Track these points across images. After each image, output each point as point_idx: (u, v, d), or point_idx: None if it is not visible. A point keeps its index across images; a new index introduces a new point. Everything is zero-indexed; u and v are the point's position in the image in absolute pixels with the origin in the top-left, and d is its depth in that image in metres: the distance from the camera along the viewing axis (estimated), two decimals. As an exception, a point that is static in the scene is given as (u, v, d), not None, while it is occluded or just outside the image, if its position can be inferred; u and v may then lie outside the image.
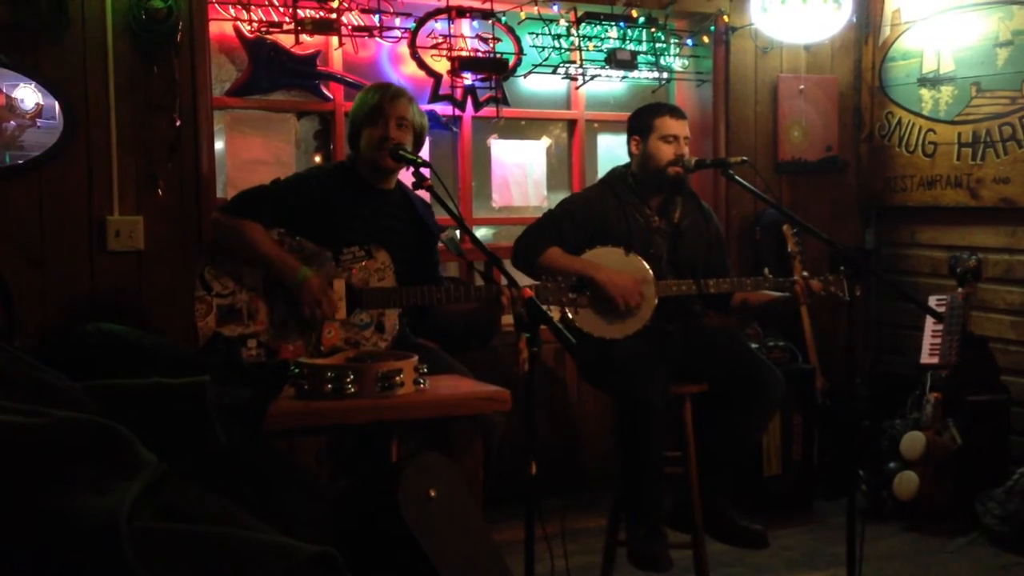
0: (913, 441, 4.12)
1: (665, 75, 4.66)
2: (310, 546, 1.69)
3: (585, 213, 3.51)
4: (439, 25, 4.22)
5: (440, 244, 3.42)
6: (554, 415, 4.46)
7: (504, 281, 2.88)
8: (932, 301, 4.36)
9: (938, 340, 4.29)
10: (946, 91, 4.65)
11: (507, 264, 2.82)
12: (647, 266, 3.41)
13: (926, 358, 4.30)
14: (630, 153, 3.60)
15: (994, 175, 4.45)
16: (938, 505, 4.08)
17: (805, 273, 3.50)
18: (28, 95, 3.55)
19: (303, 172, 3.37)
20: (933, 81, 4.70)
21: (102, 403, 1.92)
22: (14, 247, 3.53)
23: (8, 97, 3.53)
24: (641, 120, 3.58)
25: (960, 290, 4.31)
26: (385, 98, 3.24)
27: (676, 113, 3.58)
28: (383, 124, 3.21)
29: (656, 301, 3.39)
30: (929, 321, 4.33)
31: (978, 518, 3.95)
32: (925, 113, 4.74)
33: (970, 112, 4.54)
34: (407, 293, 3.12)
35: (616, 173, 3.64)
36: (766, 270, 3.53)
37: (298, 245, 3.13)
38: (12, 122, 3.54)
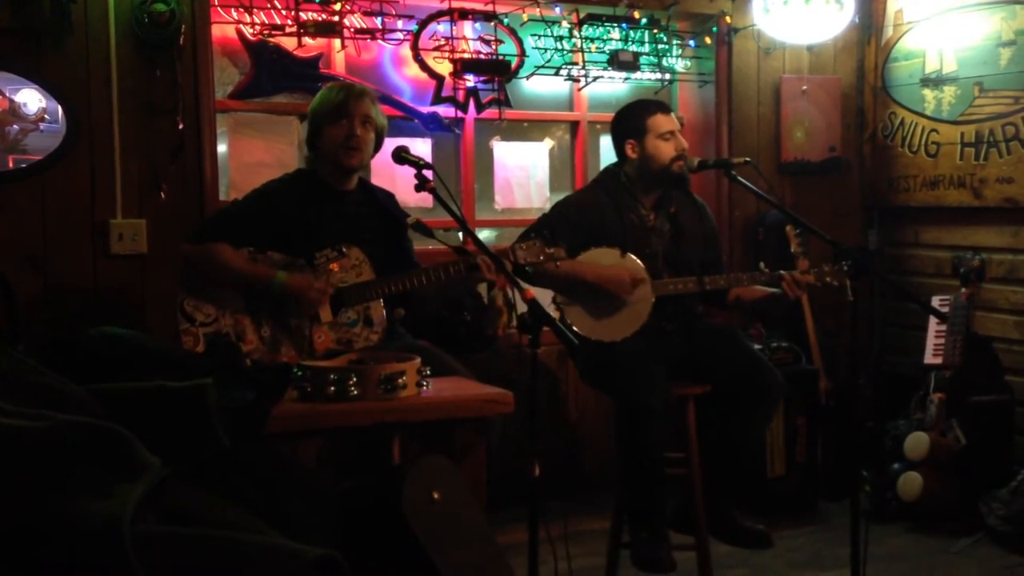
0: (917, 442, 4.11)
1: (667, 76, 4.66)
2: (313, 548, 1.69)
3: (580, 215, 3.50)
4: (441, 27, 4.22)
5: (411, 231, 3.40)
6: (557, 416, 4.46)
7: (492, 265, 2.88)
8: (936, 301, 4.35)
9: (942, 340, 4.28)
10: (949, 91, 4.64)
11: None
12: (643, 266, 3.41)
13: (930, 358, 4.29)
14: (624, 157, 3.55)
15: (997, 175, 4.44)
16: (942, 506, 4.07)
17: (802, 264, 3.47)
18: (31, 99, 3.55)
19: (261, 186, 3.32)
20: (936, 81, 4.69)
21: (105, 406, 1.92)
22: (17, 251, 3.53)
23: (11, 101, 3.53)
24: (631, 122, 3.54)
25: (964, 290, 4.30)
26: (351, 96, 3.22)
27: (665, 109, 3.56)
28: (347, 123, 3.19)
29: (653, 299, 3.39)
30: (933, 321, 4.32)
31: (982, 518, 3.94)
32: (928, 113, 4.74)
33: (973, 112, 4.53)
34: (387, 282, 3.13)
35: (608, 173, 3.62)
36: (762, 264, 3.52)
37: (269, 260, 3.13)
38: (15, 126, 3.55)
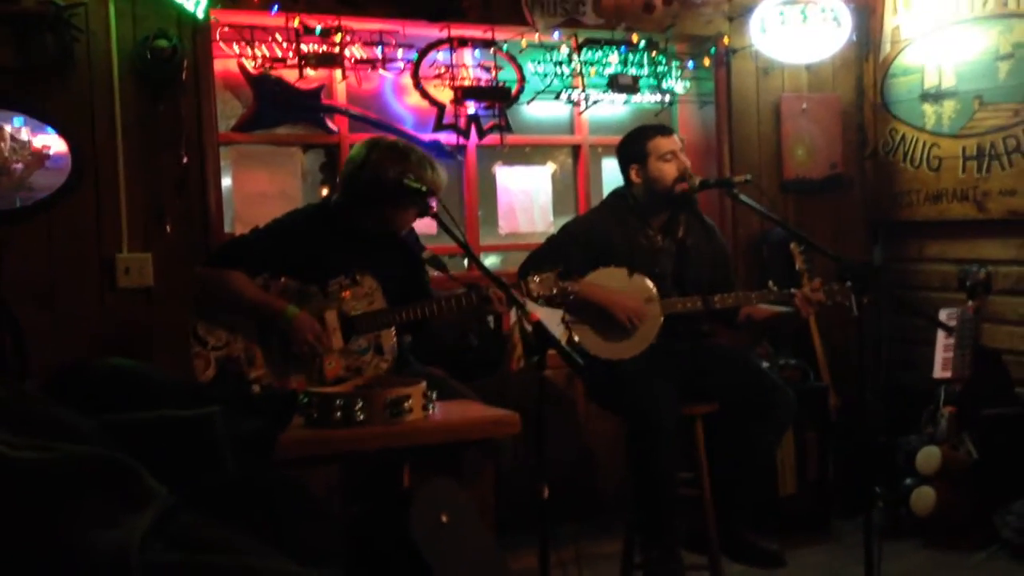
0: (929, 456, 4.09)
1: (667, 98, 4.67)
2: (321, 573, 1.69)
3: (588, 236, 3.52)
4: (441, 55, 4.25)
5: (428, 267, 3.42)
6: (565, 438, 4.44)
7: (504, 297, 2.89)
8: (943, 315, 4.34)
9: (950, 354, 4.26)
10: (948, 105, 4.65)
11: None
12: (651, 285, 3.42)
13: (939, 372, 4.27)
14: (630, 182, 3.59)
15: (1000, 187, 4.44)
16: (956, 520, 4.04)
17: (814, 283, 3.48)
18: (36, 136, 3.59)
19: (282, 217, 3.37)
20: (935, 96, 4.70)
21: (113, 437, 1.93)
22: (25, 286, 3.55)
23: (16, 139, 3.56)
24: (633, 147, 3.58)
25: (970, 303, 4.29)
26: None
27: (664, 131, 3.60)
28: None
29: (661, 320, 3.39)
30: (941, 335, 4.31)
31: (997, 532, 3.91)
32: (928, 128, 4.75)
33: (973, 125, 4.54)
34: (399, 312, 3.15)
35: (617, 195, 3.65)
36: (770, 282, 3.52)
37: (283, 287, 3.16)
38: (20, 164, 3.58)
